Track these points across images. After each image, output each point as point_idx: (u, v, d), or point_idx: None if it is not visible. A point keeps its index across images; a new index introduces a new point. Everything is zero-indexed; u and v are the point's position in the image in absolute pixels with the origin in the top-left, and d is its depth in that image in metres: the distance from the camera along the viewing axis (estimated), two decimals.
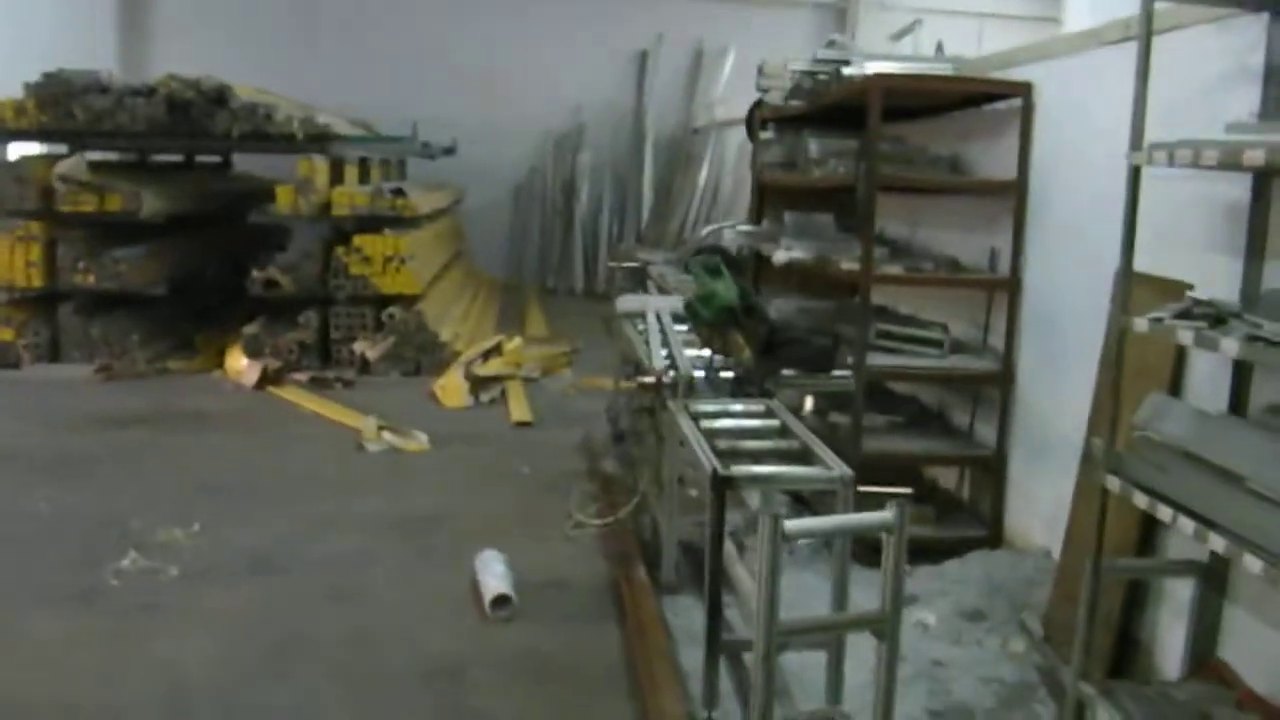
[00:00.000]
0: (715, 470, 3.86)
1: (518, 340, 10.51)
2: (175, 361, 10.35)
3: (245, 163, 14.46)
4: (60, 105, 10.24)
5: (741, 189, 14.58)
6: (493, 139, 15.67)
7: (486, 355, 10.07)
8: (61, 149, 10.78)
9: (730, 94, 15.92)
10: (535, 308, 14.20)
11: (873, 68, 6.31)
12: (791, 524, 3.32)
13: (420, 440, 7.82)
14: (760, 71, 7.43)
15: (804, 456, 4.19)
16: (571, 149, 16.80)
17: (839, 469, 3.90)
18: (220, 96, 10.33)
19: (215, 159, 14.37)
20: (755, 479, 3.99)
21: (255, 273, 10.31)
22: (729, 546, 4.46)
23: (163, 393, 9.42)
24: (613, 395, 7.91)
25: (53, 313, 10.41)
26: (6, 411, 8.71)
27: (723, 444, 4.25)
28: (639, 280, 9.56)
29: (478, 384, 9.37)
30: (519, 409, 8.81)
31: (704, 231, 10.73)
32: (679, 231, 15.90)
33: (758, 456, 4.23)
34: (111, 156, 11.65)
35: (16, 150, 11.09)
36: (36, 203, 10.20)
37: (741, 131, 14.96)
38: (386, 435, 7.83)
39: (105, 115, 10.25)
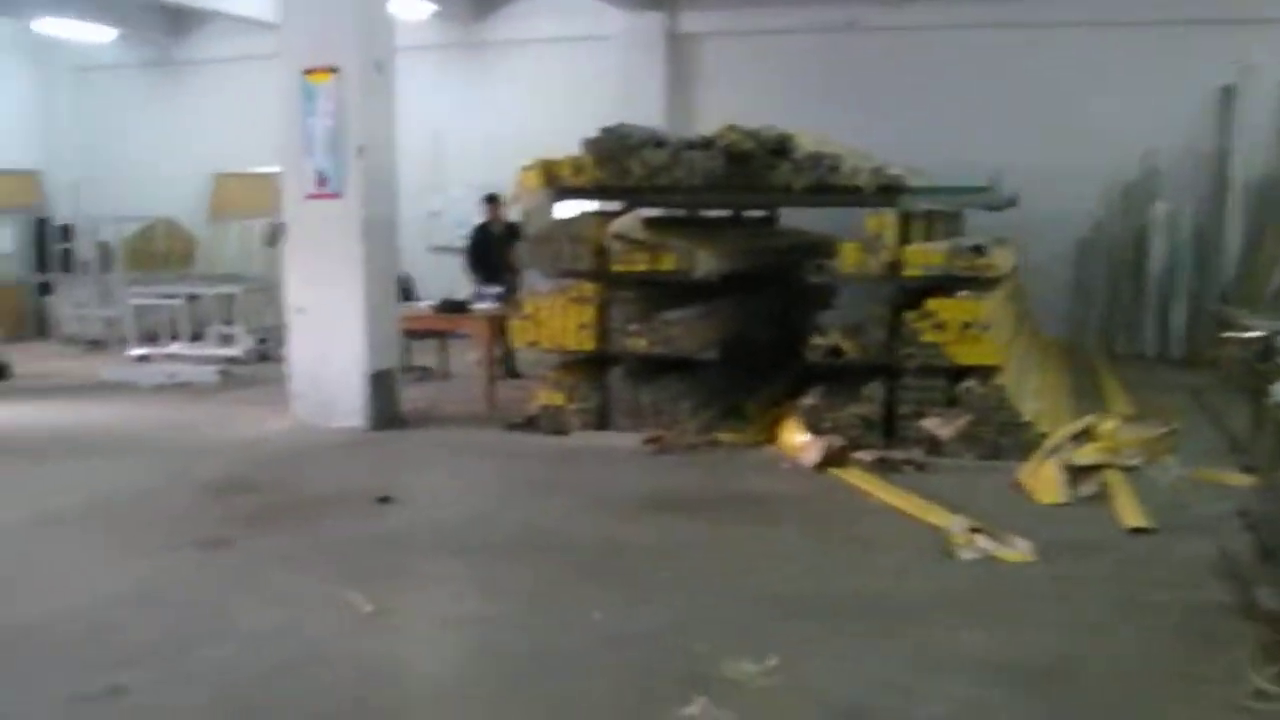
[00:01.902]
0: None
1: (1113, 421, 9.02)
2: (725, 433, 9.56)
3: (791, 217, 13.73)
4: (616, 161, 9.74)
5: None
6: (1050, 188, 14.09)
7: (1077, 438, 8.64)
8: (614, 206, 10.35)
9: None
10: (1110, 378, 12.56)
11: None
12: None
13: (1021, 549, 6.52)
14: None
15: None
16: (1143, 198, 15.01)
17: None
18: (781, 147, 9.50)
19: (762, 213, 13.72)
20: None
21: (817, 338, 9.38)
22: None
23: (714, 470, 8.63)
24: (1250, 494, 6.37)
25: (601, 378, 9.91)
26: (555, 486, 8.17)
27: None
28: (1265, 354, 7.98)
29: (1074, 474, 7.97)
30: (1130, 510, 7.33)
31: None
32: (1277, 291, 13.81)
33: None
34: (658, 212, 11.14)
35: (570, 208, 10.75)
36: (590, 262, 9.74)
37: None
38: (980, 540, 6.59)
39: (661, 170, 9.66)
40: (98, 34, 17.31)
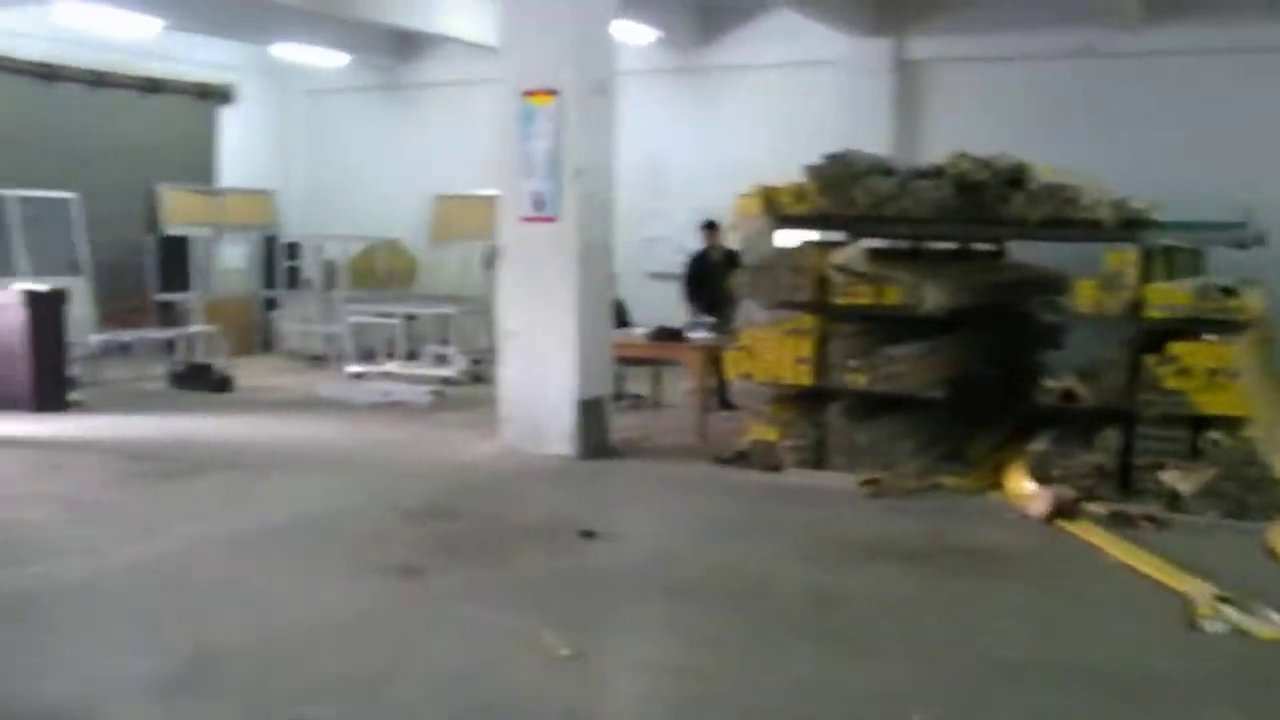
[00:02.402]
0: None
1: None
2: (947, 477, 9.07)
3: (1019, 250, 13.08)
4: (841, 189, 9.37)
5: None
6: None
7: None
8: (836, 236, 9.98)
9: None
10: None
11: None
12: None
13: (1276, 623, 5.90)
14: None
15: None
16: None
17: None
18: (1016, 177, 8.98)
19: (990, 247, 13.12)
20: None
21: (1049, 380, 8.84)
22: None
23: (935, 517, 8.13)
24: None
25: (818, 414, 9.52)
26: (766, 527, 7.82)
27: None
28: None
29: None
30: None
31: None
32: None
33: None
34: (881, 244, 10.70)
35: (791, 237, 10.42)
36: (810, 294, 9.38)
37: None
38: (1228, 611, 5.99)
39: (888, 199, 9.25)
40: (330, 59, 17.69)
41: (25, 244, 15.28)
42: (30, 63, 15.91)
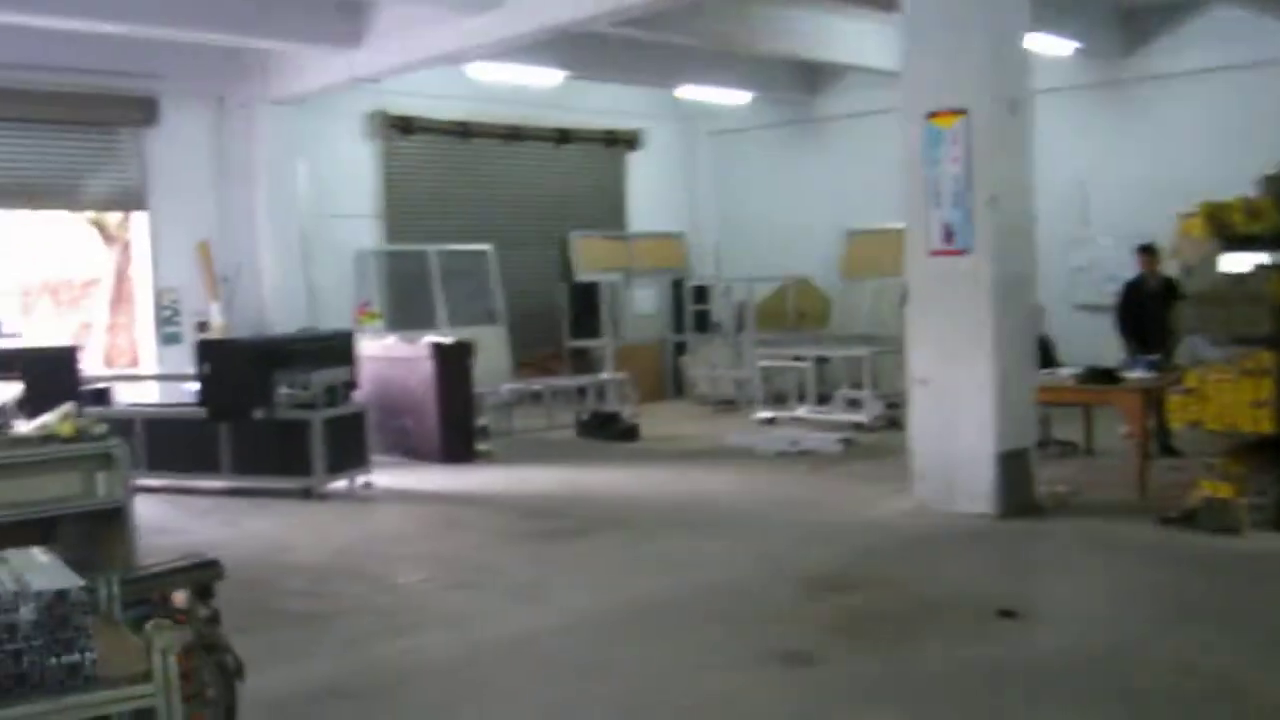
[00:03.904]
0: None
1: None
2: None
3: None
4: None
5: None
6: None
7: None
8: None
9: None
10: None
11: None
12: None
13: None
14: None
15: None
16: None
17: None
18: None
19: None
20: None
21: None
22: None
23: None
24: None
25: None
26: (1223, 606, 6.62)
27: None
28: None
29: None
30: None
31: None
32: None
33: None
34: None
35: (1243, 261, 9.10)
36: (1269, 326, 8.06)
37: None
38: None
39: None
40: (734, 98, 17.42)
41: (445, 296, 15.68)
42: (449, 122, 16.41)
